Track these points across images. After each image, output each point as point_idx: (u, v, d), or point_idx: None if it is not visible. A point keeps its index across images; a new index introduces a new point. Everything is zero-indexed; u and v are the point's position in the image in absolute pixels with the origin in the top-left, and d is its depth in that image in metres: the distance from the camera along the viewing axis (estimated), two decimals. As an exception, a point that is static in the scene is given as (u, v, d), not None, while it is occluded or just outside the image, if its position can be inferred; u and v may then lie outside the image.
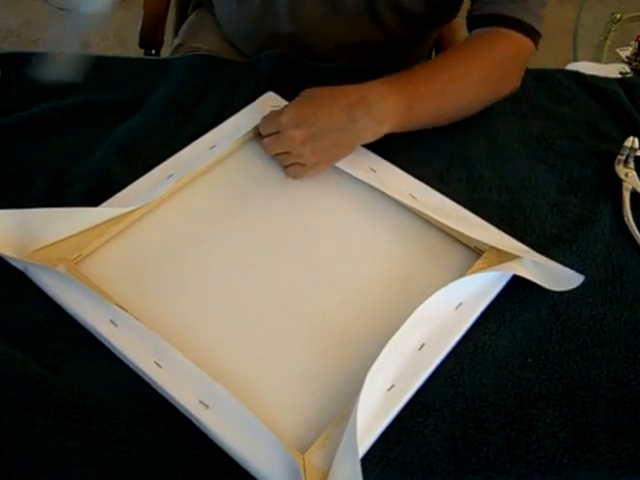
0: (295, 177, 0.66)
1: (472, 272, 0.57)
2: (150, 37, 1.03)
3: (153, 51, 1.04)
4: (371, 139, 0.65)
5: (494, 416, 0.52)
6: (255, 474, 0.46)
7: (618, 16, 1.48)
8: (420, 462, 0.49)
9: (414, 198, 0.64)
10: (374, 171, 0.66)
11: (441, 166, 0.69)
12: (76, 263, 0.58)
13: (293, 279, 0.59)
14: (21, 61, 0.75)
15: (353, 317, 0.56)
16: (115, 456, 0.48)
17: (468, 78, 0.69)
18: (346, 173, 0.66)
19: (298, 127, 0.62)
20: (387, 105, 0.63)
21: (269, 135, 0.65)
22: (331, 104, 0.63)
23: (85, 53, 0.62)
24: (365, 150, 0.67)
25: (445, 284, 0.55)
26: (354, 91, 0.64)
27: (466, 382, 0.53)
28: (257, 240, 0.62)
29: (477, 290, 0.56)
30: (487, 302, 0.56)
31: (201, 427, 0.49)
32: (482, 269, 0.58)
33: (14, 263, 0.57)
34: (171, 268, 0.59)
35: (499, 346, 0.56)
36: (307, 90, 0.65)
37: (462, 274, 0.58)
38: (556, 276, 0.58)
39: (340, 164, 0.66)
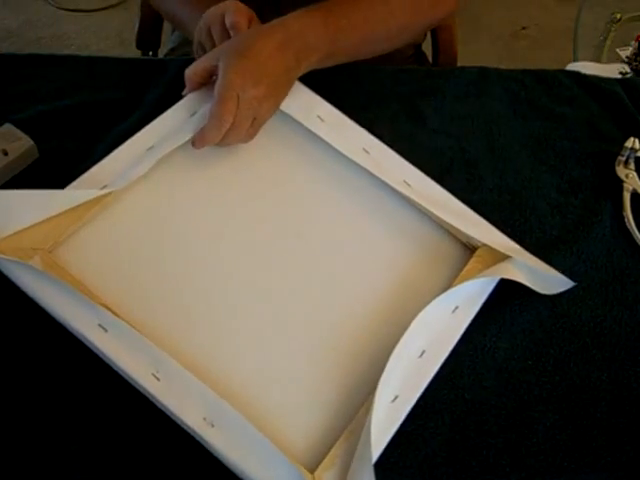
0: (251, 138, 0.62)
1: (467, 272, 0.57)
2: (147, 38, 1.03)
3: (150, 52, 1.05)
4: (299, 75, 0.63)
5: (494, 419, 0.52)
6: None
7: (618, 16, 1.48)
8: (420, 465, 0.49)
9: (408, 185, 0.61)
10: (367, 152, 0.62)
11: (441, 167, 0.69)
12: (51, 251, 0.53)
13: (288, 282, 0.56)
14: (17, 62, 0.75)
15: (347, 323, 0.55)
16: (116, 461, 0.48)
17: (391, 6, 0.68)
18: (338, 152, 0.62)
19: (257, 85, 0.57)
20: (310, 39, 0.62)
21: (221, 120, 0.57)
22: (268, 49, 0.59)
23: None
24: (359, 128, 0.64)
25: (439, 283, 0.55)
26: (278, 29, 0.61)
27: (466, 385, 0.53)
28: (246, 227, 0.59)
29: (472, 293, 0.56)
30: (481, 303, 0.56)
31: (205, 445, 0.46)
32: (476, 269, 0.57)
33: None
34: (158, 255, 0.55)
35: (499, 348, 0.55)
36: (226, 46, 0.60)
37: (455, 271, 0.58)
38: (546, 279, 0.58)
39: (332, 142, 0.62)
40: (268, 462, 0.45)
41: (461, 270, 0.57)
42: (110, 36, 2.06)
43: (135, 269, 0.55)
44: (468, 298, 0.56)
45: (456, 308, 0.55)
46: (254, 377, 0.51)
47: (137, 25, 1.03)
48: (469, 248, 0.60)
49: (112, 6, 2.13)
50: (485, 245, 0.58)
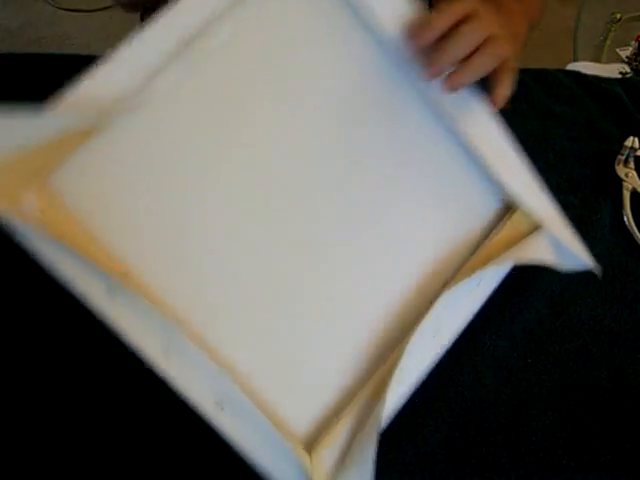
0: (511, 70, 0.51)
1: (497, 241, 0.53)
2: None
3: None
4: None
5: (494, 417, 0.52)
6: (262, 471, 0.45)
7: (618, 16, 1.48)
8: (419, 463, 0.49)
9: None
10: None
11: (441, 166, 0.69)
12: (44, 185, 0.43)
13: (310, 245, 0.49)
14: (17, 62, 0.75)
15: (372, 298, 0.51)
16: (117, 458, 0.48)
17: None
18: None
19: (495, 12, 0.50)
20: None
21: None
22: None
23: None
24: None
25: (469, 238, 0.53)
26: None
27: (466, 383, 0.53)
28: (280, 168, 0.48)
29: (493, 271, 0.53)
30: (500, 279, 0.54)
31: (213, 426, 0.45)
32: (508, 237, 0.53)
33: None
34: (170, 193, 0.45)
35: (499, 346, 0.56)
36: None
37: (487, 231, 0.55)
38: (569, 257, 0.54)
39: None
40: (272, 447, 0.44)
41: (491, 230, 0.55)
42: (110, 36, 2.06)
43: (142, 209, 0.45)
44: (489, 275, 0.53)
45: (478, 284, 0.52)
46: (258, 353, 0.48)
47: (137, 25, 1.03)
48: (506, 204, 0.56)
49: (112, 6, 2.13)
50: (520, 210, 0.54)
